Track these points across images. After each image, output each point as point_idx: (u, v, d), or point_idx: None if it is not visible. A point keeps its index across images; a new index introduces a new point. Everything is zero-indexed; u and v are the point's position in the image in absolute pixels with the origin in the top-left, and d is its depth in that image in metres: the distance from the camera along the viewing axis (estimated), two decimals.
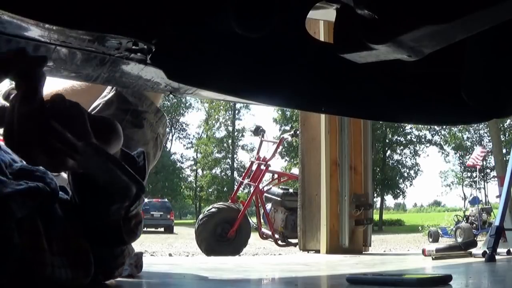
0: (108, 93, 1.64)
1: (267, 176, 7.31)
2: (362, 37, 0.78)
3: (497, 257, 2.74)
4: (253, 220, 7.04)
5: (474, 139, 34.86)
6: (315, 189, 4.12)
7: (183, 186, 40.05)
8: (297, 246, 4.69)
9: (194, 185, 40.31)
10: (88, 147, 0.77)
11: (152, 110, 1.63)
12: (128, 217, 0.98)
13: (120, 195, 0.91)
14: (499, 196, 3.98)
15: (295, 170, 7.26)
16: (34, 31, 0.80)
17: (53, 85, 1.82)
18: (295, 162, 26.83)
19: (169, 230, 22.50)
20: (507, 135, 31.42)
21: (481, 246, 3.02)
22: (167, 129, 1.81)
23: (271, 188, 7.22)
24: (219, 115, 40.16)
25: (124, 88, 1.51)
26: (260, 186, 6.98)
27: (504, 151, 19.21)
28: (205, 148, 39.35)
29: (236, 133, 39.99)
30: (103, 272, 1.03)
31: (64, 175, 1.43)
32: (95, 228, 0.95)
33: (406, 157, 35.69)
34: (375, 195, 30.94)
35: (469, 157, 17.71)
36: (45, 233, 0.85)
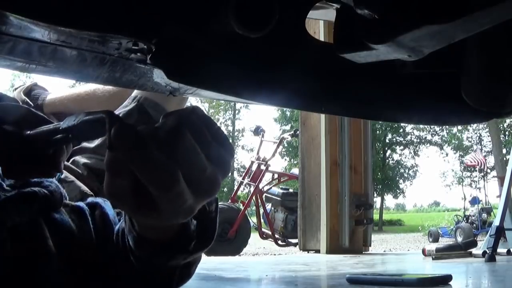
0: (129, 103, 1.64)
1: (267, 176, 7.31)
2: (362, 37, 0.78)
3: (497, 257, 2.74)
4: (253, 220, 7.04)
5: (474, 139, 34.86)
6: (315, 189, 4.12)
7: None
8: (297, 246, 4.69)
9: None
10: None
11: None
12: (189, 262, 0.81)
13: (184, 254, 0.75)
14: (499, 196, 3.98)
15: (295, 170, 7.26)
16: (34, 31, 0.80)
17: (77, 89, 1.83)
18: (295, 162, 26.81)
19: None
20: (507, 135, 31.41)
21: (481, 246, 3.03)
22: None
23: (271, 188, 7.22)
24: (219, 115, 40.18)
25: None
26: (260, 186, 6.98)
27: (504, 151, 19.21)
28: None
29: (236, 133, 40.00)
30: None
31: (78, 182, 1.43)
32: (140, 273, 0.81)
33: (405, 157, 35.71)
34: (375, 195, 30.93)
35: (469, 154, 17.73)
36: (51, 238, 0.83)
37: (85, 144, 1.64)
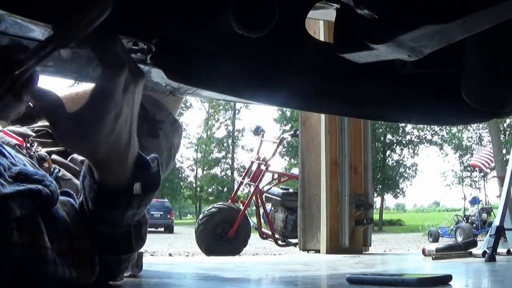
0: None
1: (267, 176, 7.31)
2: (362, 37, 0.78)
3: (497, 257, 2.74)
4: (253, 220, 7.04)
5: (474, 139, 34.84)
6: (315, 189, 4.12)
7: (183, 186, 40.06)
8: (297, 246, 4.69)
9: (194, 185, 40.31)
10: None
11: (169, 120, 1.63)
12: (139, 222, 0.97)
13: (137, 200, 0.90)
14: (499, 196, 3.98)
15: (295, 170, 7.26)
16: (34, 31, 0.80)
17: (75, 88, 1.83)
18: (295, 162, 26.82)
19: (169, 230, 22.51)
20: (507, 135, 31.40)
21: (481, 246, 3.02)
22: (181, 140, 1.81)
23: (271, 188, 7.22)
24: (219, 115, 40.19)
25: None
26: (260, 186, 6.98)
27: (504, 151, 19.23)
28: (205, 148, 39.38)
29: (236, 133, 40.01)
30: (108, 275, 1.02)
31: (75, 180, 1.44)
32: (105, 236, 0.93)
33: (405, 157, 35.71)
34: (375, 195, 30.94)
35: (472, 155, 17.74)
36: (47, 232, 0.85)
37: None
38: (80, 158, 1.48)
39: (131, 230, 0.95)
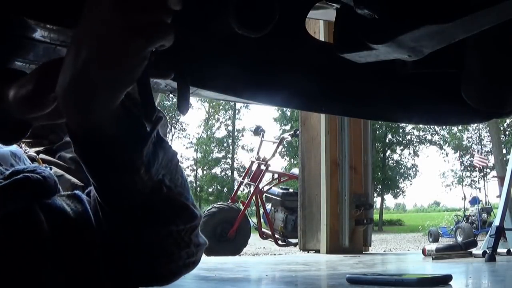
0: None
1: (267, 176, 7.31)
2: (362, 37, 0.78)
3: (497, 257, 2.74)
4: (253, 220, 7.04)
5: (474, 139, 34.85)
6: (315, 189, 4.13)
7: None
8: (297, 246, 4.69)
9: (194, 185, 40.33)
10: None
11: None
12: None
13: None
14: (499, 196, 3.98)
15: (295, 170, 7.26)
16: (34, 31, 0.80)
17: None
18: (295, 162, 26.82)
19: None
20: (507, 135, 31.39)
21: (481, 246, 3.03)
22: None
23: (271, 188, 7.23)
24: (219, 115, 40.22)
25: None
26: (260, 186, 6.98)
27: (504, 151, 19.23)
28: (205, 148, 39.40)
29: (236, 133, 40.02)
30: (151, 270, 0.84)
31: (67, 176, 1.44)
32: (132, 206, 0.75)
33: (405, 157, 35.71)
34: (375, 195, 30.93)
35: (470, 157, 17.81)
36: (47, 224, 0.83)
37: (69, 139, 1.64)
38: (68, 155, 1.48)
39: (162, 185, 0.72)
